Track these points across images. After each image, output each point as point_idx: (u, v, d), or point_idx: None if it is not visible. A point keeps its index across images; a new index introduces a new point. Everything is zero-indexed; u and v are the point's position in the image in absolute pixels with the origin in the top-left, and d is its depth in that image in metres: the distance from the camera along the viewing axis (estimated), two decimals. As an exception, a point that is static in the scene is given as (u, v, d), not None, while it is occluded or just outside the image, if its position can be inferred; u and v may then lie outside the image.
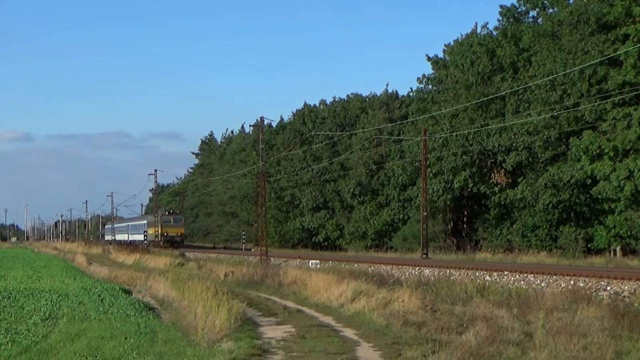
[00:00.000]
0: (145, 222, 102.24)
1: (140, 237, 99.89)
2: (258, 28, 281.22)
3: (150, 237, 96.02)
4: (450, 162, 55.17)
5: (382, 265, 38.73)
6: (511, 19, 55.12)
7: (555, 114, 46.62)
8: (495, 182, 53.62)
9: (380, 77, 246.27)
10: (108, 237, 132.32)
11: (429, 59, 62.84)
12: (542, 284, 26.98)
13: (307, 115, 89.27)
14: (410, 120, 61.94)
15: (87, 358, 16.27)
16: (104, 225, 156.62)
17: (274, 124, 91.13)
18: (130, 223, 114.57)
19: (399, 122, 68.10)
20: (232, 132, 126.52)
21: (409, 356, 15.02)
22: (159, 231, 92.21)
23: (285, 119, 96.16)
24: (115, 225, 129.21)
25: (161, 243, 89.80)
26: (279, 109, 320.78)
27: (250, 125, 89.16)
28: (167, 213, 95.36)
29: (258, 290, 31.66)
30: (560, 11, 49.07)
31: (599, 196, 45.17)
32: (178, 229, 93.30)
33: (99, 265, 55.84)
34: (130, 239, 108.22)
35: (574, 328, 16.74)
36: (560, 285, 25.78)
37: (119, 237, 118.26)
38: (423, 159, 52.73)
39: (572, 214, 50.41)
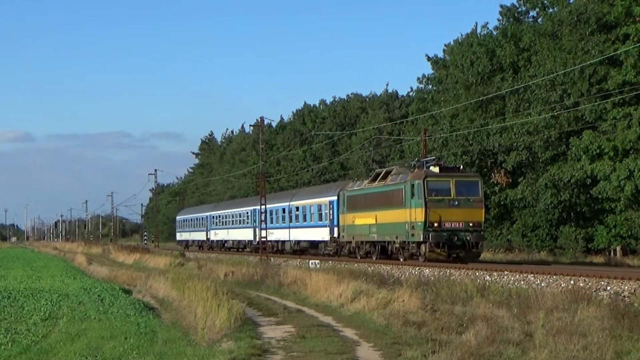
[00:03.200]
0: (334, 199, 47.28)
1: (318, 234, 49.88)
2: (258, 28, 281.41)
3: (349, 234, 44.61)
4: (450, 162, 55.14)
5: (382, 265, 38.72)
6: (511, 19, 55.07)
7: (555, 113, 46.61)
8: (495, 182, 53.58)
9: (380, 77, 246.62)
10: (191, 236, 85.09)
11: (429, 59, 62.82)
12: (542, 284, 26.97)
13: (307, 115, 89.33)
14: (410, 120, 61.93)
15: (87, 358, 16.28)
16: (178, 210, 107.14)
17: (274, 124, 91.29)
18: (277, 205, 57.96)
19: (399, 122, 68.09)
20: (232, 132, 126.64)
21: (409, 356, 15.02)
22: (425, 217, 35.92)
23: (285, 119, 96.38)
24: (215, 213, 76.18)
25: (425, 250, 36.46)
26: (279, 109, 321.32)
27: (250, 125, 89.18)
28: (438, 169, 37.93)
29: (258, 290, 31.66)
30: (560, 11, 49.02)
31: (599, 196, 45.14)
32: (471, 211, 36.87)
33: (99, 265, 55.87)
34: (274, 237, 56.98)
35: (574, 328, 16.74)
36: (560, 285, 25.76)
37: (224, 235, 72.08)
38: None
39: (572, 214, 50.40)
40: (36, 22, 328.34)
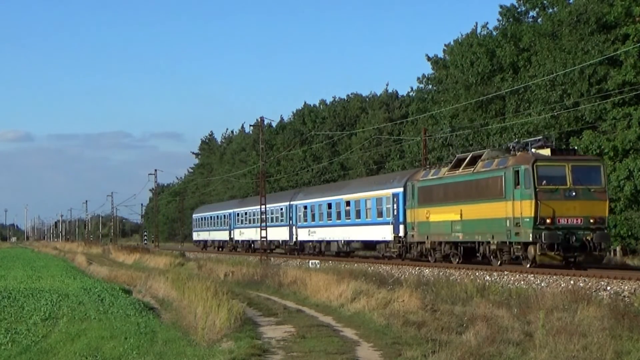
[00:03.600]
0: (398, 191, 40.56)
1: (376, 233, 42.89)
2: (258, 28, 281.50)
3: (421, 233, 37.53)
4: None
5: (382, 265, 38.71)
6: (511, 19, 55.08)
7: (555, 114, 46.63)
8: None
9: (380, 77, 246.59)
10: (211, 235, 78.58)
11: (429, 59, 62.87)
12: (542, 284, 26.98)
13: (307, 115, 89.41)
14: (410, 120, 61.97)
15: (87, 358, 16.28)
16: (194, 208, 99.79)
17: (274, 124, 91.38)
18: (320, 199, 51.75)
19: (399, 122, 68.13)
20: (232, 132, 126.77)
21: (409, 356, 15.01)
22: (535, 212, 29.06)
23: (285, 119, 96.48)
24: (241, 210, 68.57)
25: (535, 253, 29.36)
26: (279, 109, 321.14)
27: (250, 125, 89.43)
28: (549, 152, 30.92)
29: (258, 290, 31.66)
30: (560, 11, 49.05)
31: (599, 196, 45.15)
32: (592, 204, 29.78)
33: (98, 265, 55.85)
34: (316, 237, 51.57)
35: (574, 328, 16.74)
36: (560, 285, 25.77)
37: (252, 234, 63.45)
38: (423, 159, 52.75)
39: (572, 214, 50.37)
40: (36, 22, 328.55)
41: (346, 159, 75.70)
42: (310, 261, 44.65)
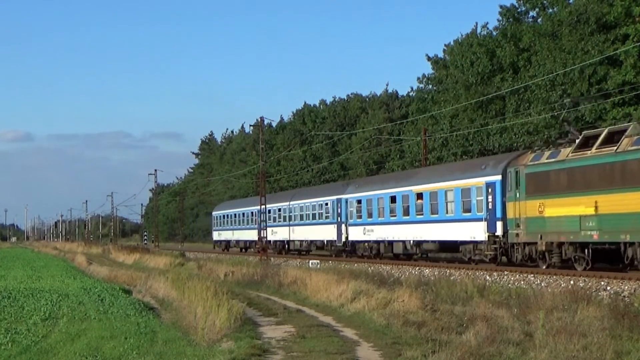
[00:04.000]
0: (494, 180, 33.73)
1: (461, 232, 36.44)
2: (258, 28, 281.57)
3: (531, 231, 30.57)
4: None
5: (382, 265, 38.72)
6: (511, 19, 55.11)
7: (555, 113, 46.66)
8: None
9: (380, 77, 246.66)
10: (235, 235, 71.81)
11: (429, 58, 62.88)
12: (542, 284, 26.98)
13: (307, 115, 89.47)
14: (410, 120, 61.99)
15: (87, 358, 16.28)
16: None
17: (274, 124, 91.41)
18: (378, 192, 44.52)
19: (399, 122, 68.16)
20: (232, 132, 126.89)
21: (409, 356, 15.00)
22: None
23: (285, 119, 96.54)
24: (274, 207, 60.08)
25: None
26: (279, 109, 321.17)
27: (250, 125, 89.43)
28: None
29: (258, 290, 31.65)
30: (560, 11, 49.08)
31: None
32: None
33: (98, 265, 55.85)
34: (374, 236, 44.58)
35: (574, 328, 16.73)
36: (560, 285, 25.77)
37: (288, 233, 57.67)
38: (423, 159, 52.81)
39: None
40: (36, 22, 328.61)
41: (346, 159, 75.71)
42: (310, 261, 44.67)
